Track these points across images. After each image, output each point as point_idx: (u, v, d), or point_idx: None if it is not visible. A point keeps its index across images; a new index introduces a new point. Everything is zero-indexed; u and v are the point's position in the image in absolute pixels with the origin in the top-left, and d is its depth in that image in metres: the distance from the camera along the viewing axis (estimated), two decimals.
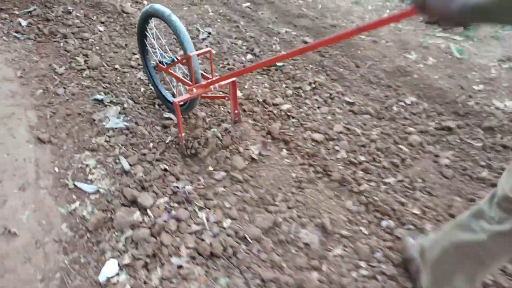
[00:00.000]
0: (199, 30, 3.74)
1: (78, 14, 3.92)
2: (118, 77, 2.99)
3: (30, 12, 3.95)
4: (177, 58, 2.32)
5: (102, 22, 3.81)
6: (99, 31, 3.66)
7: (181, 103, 2.18)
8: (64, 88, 2.84)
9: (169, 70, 2.35)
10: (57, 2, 4.13)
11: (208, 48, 2.20)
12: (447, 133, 2.50)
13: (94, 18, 3.88)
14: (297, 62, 3.27)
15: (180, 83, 2.39)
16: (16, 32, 3.62)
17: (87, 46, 3.39)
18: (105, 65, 3.13)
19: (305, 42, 3.57)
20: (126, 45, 3.46)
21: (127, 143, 2.32)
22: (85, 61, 3.15)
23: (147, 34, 2.47)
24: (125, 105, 2.64)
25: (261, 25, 3.89)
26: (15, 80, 2.89)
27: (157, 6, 2.26)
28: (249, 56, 3.33)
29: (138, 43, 2.57)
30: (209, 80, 2.12)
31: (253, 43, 3.53)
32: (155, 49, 2.48)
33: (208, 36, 3.64)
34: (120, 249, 1.72)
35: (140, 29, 2.47)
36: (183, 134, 2.19)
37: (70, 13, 3.93)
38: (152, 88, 2.78)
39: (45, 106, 2.64)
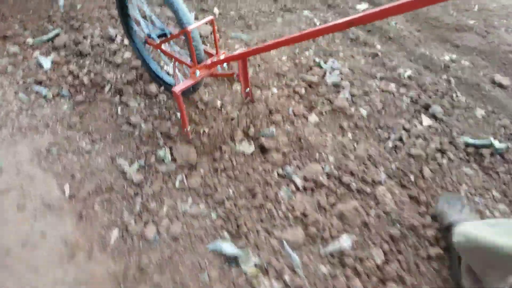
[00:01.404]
0: (319, 65, 2.42)
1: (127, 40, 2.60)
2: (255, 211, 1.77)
3: (51, 40, 2.61)
4: (170, 32, 1.92)
5: None
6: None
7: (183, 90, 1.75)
8: (156, 224, 1.64)
9: (162, 47, 1.92)
10: (88, 19, 2.76)
11: (210, 17, 1.70)
12: None
13: None
14: None
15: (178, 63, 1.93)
16: (38, 83, 2.33)
17: (162, 111, 2.12)
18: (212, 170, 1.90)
19: (499, 85, 2.29)
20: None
21: None
22: (173, 157, 1.92)
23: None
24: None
25: (406, 48, 2.57)
26: (64, 206, 1.74)
27: None
28: (427, 121, 2.07)
29: (117, 10, 2.09)
30: (215, 59, 1.75)
31: (416, 89, 2.26)
32: (141, 19, 1.99)
33: (340, 77, 2.34)
34: None
35: None
36: (189, 128, 1.89)
37: (113, 39, 2.58)
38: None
39: (135, 281, 1.46)
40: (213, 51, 1.82)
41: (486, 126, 2.08)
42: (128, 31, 2.22)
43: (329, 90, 2.29)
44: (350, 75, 2.39)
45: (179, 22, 1.68)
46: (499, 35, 2.67)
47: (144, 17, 2.04)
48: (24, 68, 2.43)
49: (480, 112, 2.14)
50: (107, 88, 2.30)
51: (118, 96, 2.25)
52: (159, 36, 1.98)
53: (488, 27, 2.74)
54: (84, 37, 2.62)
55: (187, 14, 1.68)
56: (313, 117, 2.12)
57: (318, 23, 2.84)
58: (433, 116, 2.10)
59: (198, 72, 1.73)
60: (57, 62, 2.46)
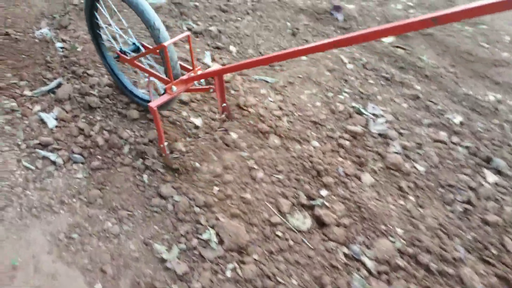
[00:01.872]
0: (359, 111, 2.23)
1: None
2: None
3: (52, 91, 2.31)
4: (144, 46, 1.97)
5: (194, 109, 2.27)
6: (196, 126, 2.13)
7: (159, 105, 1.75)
8: None
9: (136, 63, 1.92)
10: (92, 63, 2.47)
11: (186, 33, 1.70)
12: None
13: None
14: None
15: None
16: (44, 146, 2.03)
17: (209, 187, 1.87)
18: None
19: None
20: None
21: None
22: (219, 237, 1.67)
23: (98, 6, 1.99)
24: None
25: (447, 88, 2.42)
26: None
27: None
28: (492, 178, 1.89)
29: (87, 22, 2.07)
30: (192, 75, 1.77)
31: (470, 138, 2.11)
32: (110, 32, 2.07)
33: (386, 126, 2.15)
34: None
35: (88, 2, 1.96)
36: (165, 144, 1.84)
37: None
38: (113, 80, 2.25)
39: None
40: (189, 67, 1.84)
41: None
42: (99, 47, 2.19)
43: (376, 142, 2.09)
44: (395, 122, 2.20)
45: (155, 37, 1.69)
46: None
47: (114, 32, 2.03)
48: (24, 128, 2.11)
49: None
50: (126, 149, 2.01)
51: (140, 159, 1.97)
52: (132, 51, 1.98)
53: None
54: (91, 87, 2.33)
55: (163, 30, 1.69)
56: (367, 177, 1.91)
57: (346, 61, 2.65)
58: (498, 172, 1.93)
59: (174, 88, 1.74)
60: (63, 119, 2.16)
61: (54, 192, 1.83)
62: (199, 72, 1.77)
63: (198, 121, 2.16)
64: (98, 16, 2.03)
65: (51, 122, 2.13)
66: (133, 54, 1.97)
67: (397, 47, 2.80)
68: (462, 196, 1.83)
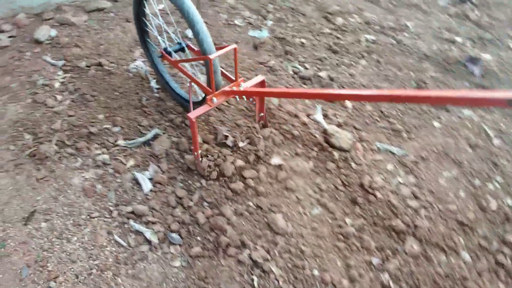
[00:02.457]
0: None
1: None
2: None
3: (148, 143, 2.05)
4: (189, 47, 1.99)
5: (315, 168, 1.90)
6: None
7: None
8: None
9: (179, 65, 1.91)
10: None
11: (233, 45, 1.69)
12: None
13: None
14: None
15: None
16: (136, 216, 1.76)
17: None
18: None
19: None
20: None
21: None
22: None
23: (145, 8, 2.03)
24: None
25: None
26: None
27: None
28: None
29: (134, 13, 2.08)
30: (233, 88, 1.78)
31: None
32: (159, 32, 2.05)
33: None
34: None
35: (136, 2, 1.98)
36: (199, 152, 1.85)
37: (230, 146, 1.99)
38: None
39: None
40: (232, 76, 1.85)
41: None
42: (145, 43, 2.22)
43: None
44: None
45: (201, 47, 1.69)
46: None
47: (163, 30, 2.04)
48: (116, 188, 1.86)
49: None
50: (230, 232, 1.68)
51: (247, 250, 1.63)
52: (175, 51, 1.98)
53: None
54: (190, 141, 2.03)
55: (209, 40, 1.69)
56: None
57: (491, 133, 2.16)
58: None
59: (215, 99, 1.75)
60: (159, 181, 1.87)
61: (148, 285, 1.55)
62: (243, 85, 1.80)
63: None
64: (146, 10, 2.04)
65: (147, 185, 1.86)
66: (176, 56, 2.00)
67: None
68: None
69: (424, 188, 1.90)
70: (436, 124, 2.23)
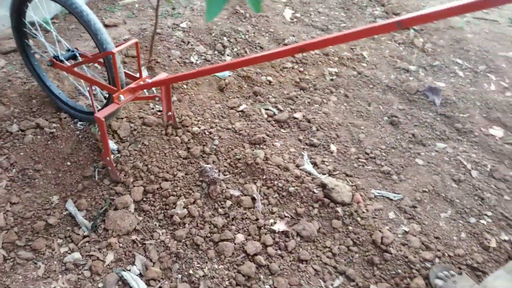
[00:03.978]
0: None
1: None
2: None
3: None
4: (82, 54, 1.94)
5: None
6: None
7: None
8: None
9: (75, 70, 1.90)
10: (171, 172, 1.91)
11: (134, 40, 1.71)
12: None
13: None
14: None
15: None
16: None
17: None
18: None
19: None
20: None
21: None
22: None
23: (25, 11, 1.94)
24: None
25: None
26: None
27: None
28: None
29: (11, 17, 1.94)
30: (141, 83, 1.79)
31: None
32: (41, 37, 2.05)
33: None
34: None
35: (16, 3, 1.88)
36: (112, 157, 1.81)
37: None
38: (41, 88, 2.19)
39: None
40: (136, 75, 1.86)
41: None
42: (24, 50, 2.08)
43: None
44: None
45: (101, 46, 1.69)
46: None
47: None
48: None
49: None
50: None
51: None
52: (67, 59, 1.94)
53: None
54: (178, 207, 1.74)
55: (106, 36, 1.70)
56: None
57: (468, 166, 2.26)
58: None
59: (122, 97, 1.72)
60: (153, 278, 1.56)
61: None
62: (148, 81, 1.79)
63: None
64: (23, 18, 1.96)
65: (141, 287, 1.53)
66: (67, 63, 1.95)
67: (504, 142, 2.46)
68: None
69: (431, 235, 1.89)
70: (419, 161, 2.27)
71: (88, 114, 2.05)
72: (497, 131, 2.56)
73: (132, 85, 1.77)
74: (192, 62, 2.62)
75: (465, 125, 2.53)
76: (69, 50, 1.97)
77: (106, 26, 2.76)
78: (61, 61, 1.93)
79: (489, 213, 2.06)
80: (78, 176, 1.88)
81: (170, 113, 2.05)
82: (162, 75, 1.85)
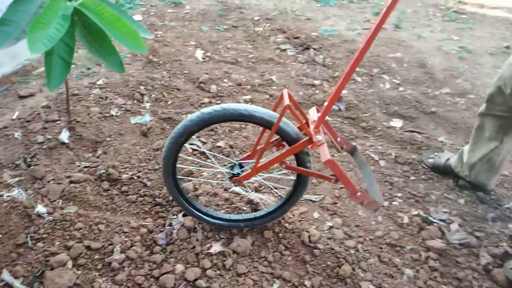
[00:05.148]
0: (430, 221, 2.18)
1: None
2: None
3: None
4: (243, 158, 1.84)
5: None
6: None
7: None
8: None
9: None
10: (106, 232, 1.98)
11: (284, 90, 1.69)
12: None
13: None
14: None
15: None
16: None
17: None
18: None
19: None
20: None
21: None
22: None
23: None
24: None
25: None
26: None
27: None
28: None
29: (166, 171, 1.78)
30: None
31: None
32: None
33: (463, 232, 2.08)
34: None
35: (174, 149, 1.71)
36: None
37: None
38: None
39: None
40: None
41: None
42: (176, 183, 1.85)
43: (463, 255, 1.96)
44: (466, 225, 2.11)
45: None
46: None
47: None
48: None
49: None
50: None
51: None
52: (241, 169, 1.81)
53: None
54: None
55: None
56: None
57: (376, 157, 2.54)
58: None
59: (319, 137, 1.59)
60: None
61: None
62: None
63: None
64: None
65: None
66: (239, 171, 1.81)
67: (412, 131, 2.80)
68: None
69: (352, 225, 2.10)
70: None
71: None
72: (397, 123, 2.90)
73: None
74: (113, 115, 2.73)
75: (369, 123, 2.84)
76: (232, 163, 1.86)
77: (22, 97, 2.81)
78: (238, 174, 1.81)
79: (399, 194, 2.32)
80: (11, 245, 1.88)
81: (339, 139, 1.83)
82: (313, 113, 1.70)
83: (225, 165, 2.16)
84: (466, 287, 1.84)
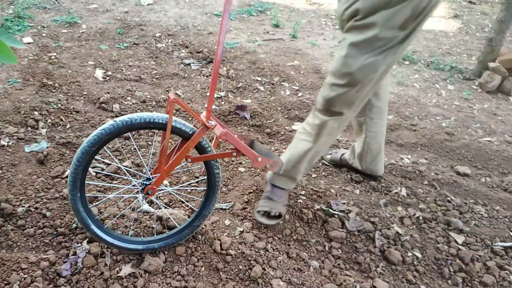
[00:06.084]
0: (332, 214, 2.34)
1: None
2: None
3: None
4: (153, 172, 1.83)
5: None
6: None
7: None
8: None
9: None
10: None
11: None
12: None
13: None
14: None
15: None
16: None
17: None
18: None
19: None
20: None
21: None
22: None
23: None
24: None
25: None
26: None
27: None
28: (460, 239, 2.23)
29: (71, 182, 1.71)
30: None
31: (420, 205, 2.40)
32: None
33: (360, 219, 2.30)
34: None
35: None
36: None
37: None
38: None
39: None
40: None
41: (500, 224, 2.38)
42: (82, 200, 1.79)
43: (361, 240, 2.16)
44: (363, 213, 2.34)
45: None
46: None
47: None
48: None
49: (481, 209, 2.44)
50: None
51: None
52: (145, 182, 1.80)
53: None
54: None
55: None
56: (380, 284, 1.93)
57: None
58: (460, 231, 2.26)
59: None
60: None
61: None
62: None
63: None
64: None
65: None
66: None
67: None
68: (454, 266, 2.06)
69: (261, 227, 2.19)
70: (241, 169, 2.59)
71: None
72: (298, 126, 3.10)
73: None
74: (4, 145, 2.50)
75: (273, 129, 3.00)
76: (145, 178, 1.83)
77: None
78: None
79: (303, 192, 2.47)
80: None
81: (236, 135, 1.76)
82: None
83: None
84: (365, 269, 2.03)
